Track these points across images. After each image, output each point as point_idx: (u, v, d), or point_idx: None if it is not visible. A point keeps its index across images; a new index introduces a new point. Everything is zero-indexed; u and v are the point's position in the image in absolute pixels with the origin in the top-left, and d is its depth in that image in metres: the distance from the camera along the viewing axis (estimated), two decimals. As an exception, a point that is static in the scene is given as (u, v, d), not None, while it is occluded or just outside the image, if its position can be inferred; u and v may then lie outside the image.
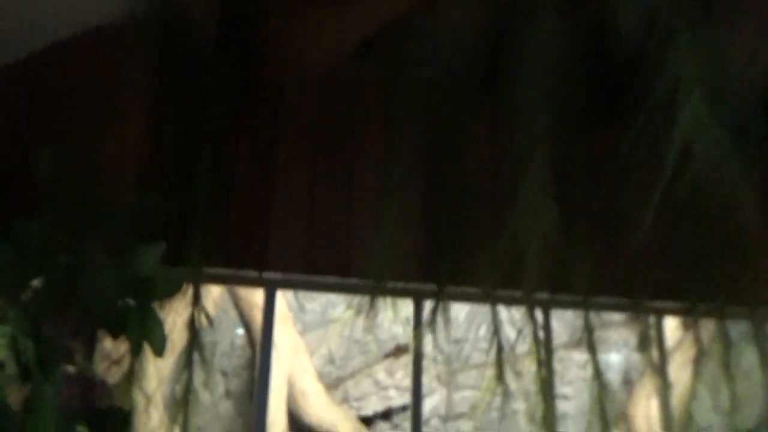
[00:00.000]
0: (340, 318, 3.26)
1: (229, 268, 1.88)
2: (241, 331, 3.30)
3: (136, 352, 1.71)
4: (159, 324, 1.71)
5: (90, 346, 1.81)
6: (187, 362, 1.70)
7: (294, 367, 3.10)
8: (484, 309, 3.57)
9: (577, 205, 2.14)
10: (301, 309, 3.45)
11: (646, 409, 3.40)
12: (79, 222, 1.67)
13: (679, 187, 2.27)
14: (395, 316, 2.74)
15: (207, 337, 3.41)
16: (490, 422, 3.56)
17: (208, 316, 1.77)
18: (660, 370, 2.12)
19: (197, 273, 1.76)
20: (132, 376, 1.69)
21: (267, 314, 1.89)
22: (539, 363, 2.00)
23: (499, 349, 1.97)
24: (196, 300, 1.76)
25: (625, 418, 3.48)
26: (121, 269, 1.59)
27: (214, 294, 3.11)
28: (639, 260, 2.25)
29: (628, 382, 3.78)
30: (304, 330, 3.41)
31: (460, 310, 3.47)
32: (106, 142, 1.79)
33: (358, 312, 1.91)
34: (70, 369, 1.53)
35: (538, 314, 2.10)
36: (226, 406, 3.30)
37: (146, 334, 1.69)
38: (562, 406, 3.55)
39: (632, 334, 3.98)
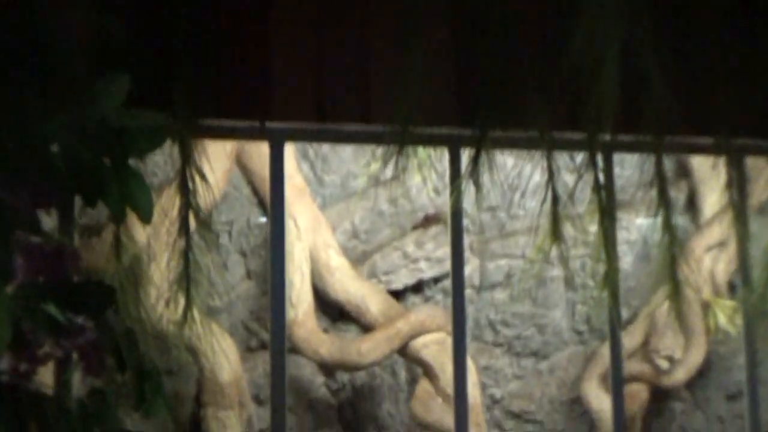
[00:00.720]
0: (364, 173, 2.92)
1: (223, 118, 1.50)
2: (263, 219, 3.00)
3: (118, 219, 1.36)
4: (142, 184, 1.34)
5: (66, 214, 1.49)
6: (181, 228, 1.37)
7: (316, 242, 2.81)
8: (515, 171, 3.21)
9: (647, 28, 1.67)
10: (320, 182, 3.10)
11: (696, 269, 3.10)
12: (22, 62, 1.27)
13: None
14: (426, 173, 2.39)
15: (222, 216, 3.13)
16: (526, 291, 3.31)
17: (202, 175, 1.41)
18: (741, 215, 1.76)
19: (184, 122, 1.38)
20: (119, 249, 1.38)
21: (275, 173, 1.53)
22: (602, 213, 1.64)
23: (555, 201, 1.61)
24: (186, 156, 1.40)
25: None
26: (80, 114, 1.21)
27: (223, 169, 2.77)
28: (717, 93, 1.82)
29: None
30: (324, 205, 3.08)
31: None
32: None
33: (385, 163, 1.54)
34: (35, 240, 1.20)
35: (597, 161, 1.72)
36: (248, 287, 3.07)
37: (128, 197, 1.33)
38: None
39: (678, 193, 3.61)
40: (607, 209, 1.67)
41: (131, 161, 1.30)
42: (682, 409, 3.37)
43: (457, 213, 1.64)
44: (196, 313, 1.39)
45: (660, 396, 3.25)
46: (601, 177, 1.65)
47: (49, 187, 1.25)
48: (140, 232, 2.38)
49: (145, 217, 1.35)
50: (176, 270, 1.38)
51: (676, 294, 1.73)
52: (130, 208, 1.34)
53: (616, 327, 1.69)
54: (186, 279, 1.38)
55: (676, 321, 2.23)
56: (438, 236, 3.06)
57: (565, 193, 1.63)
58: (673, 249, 1.70)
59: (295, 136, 1.58)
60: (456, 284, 1.63)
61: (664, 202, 1.70)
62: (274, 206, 1.51)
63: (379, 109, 1.60)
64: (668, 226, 1.69)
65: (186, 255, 1.37)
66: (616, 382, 1.71)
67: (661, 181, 1.71)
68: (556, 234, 1.61)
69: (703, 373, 3.26)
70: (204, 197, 1.41)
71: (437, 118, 1.61)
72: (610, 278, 1.65)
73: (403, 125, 1.55)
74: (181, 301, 1.39)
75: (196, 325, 1.38)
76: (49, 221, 1.54)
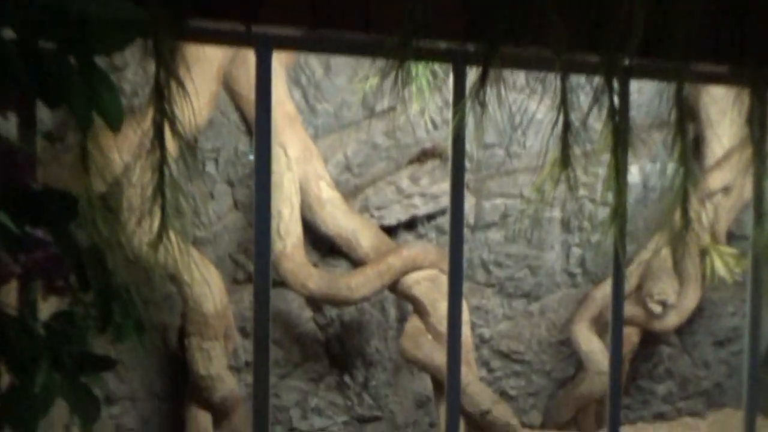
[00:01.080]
0: (360, 87, 2.75)
1: (202, 18, 1.33)
2: (252, 157, 2.84)
3: (83, 125, 1.21)
4: (110, 86, 1.18)
5: (25, 118, 1.33)
6: (155, 138, 1.22)
7: (306, 173, 2.67)
8: (517, 106, 3.05)
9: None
10: (312, 111, 2.93)
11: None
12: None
13: None
14: (425, 102, 2.23)
15: (208, 144, 2.97)
16: (521, 231, 3.22)
17: (179, 80, 1.25)
18: (761, 150, 1.63)
19: (157, 18, 1.21)
20: (86, 161, 1.24)
21: (261, 84, 1.37)
22: (615, 143, 1.51)
23: (566, 127, 1.47)
24: (160, 56, 1.23)
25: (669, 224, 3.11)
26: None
27: (209, 91, 2.59)
28: (744, 20, 1.65)
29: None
30: (316, 135, 2.92)
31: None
32: None
33: (383, 78, 1.38)
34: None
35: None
36: (235, 218, 2.94)
37: (94, 100, 1.18)
38: (602, 213, 3.17)
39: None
40: (621, 139, 1.54)
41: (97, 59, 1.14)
42: (669, 354, 3.36)
43: (459, 137, 1.50)
44: (172, 234, 1.26)
45: (649, 340, 3.23)
46: (616, 101, 1.50)
47: (3, 85, 1.09)
48: (116, 157, 2.22)
49: (114, 124, 1.20)
50: (150, 185, 1.25)
51: (685, 230, 1.62)
52: (96, 114, 1.19)
53: (620, 263, 1.58)
54: (161, 195, 1.24)
55: (681, 260, 2.14)
56: (434, 171, 2.93)
57: (577, 120, 1.49)
58: (687, 183, 1.58)
59: (285, 44, 1.41)
60: (455, 215, 1.50)
61: (681, 132, 1.57)
62: (260, 122, 1.35)
63: (379, 18, 1.42)
64: (684, 158, 1.57)
65: (161, 168, 1.23)
66: (616, 319, 1.63)
67: (680, 110, 1.58)
68: (565, 162, 1.48)
69: (692, 319, 3.22)
70: (180, 105, 1.26)
71: (442, 31, 1.45)
72: (619, 212, 1.54)
73: (405, 37, 1.39)
74: (156, 221, 1.26)
75: (173, 246, 1.25)
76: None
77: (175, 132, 1.23)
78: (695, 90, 2.98)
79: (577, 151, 1.54)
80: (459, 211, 1.45)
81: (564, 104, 1.47)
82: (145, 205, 1.25)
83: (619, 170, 1.54)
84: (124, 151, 2.22)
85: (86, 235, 1.20)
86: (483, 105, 1.44)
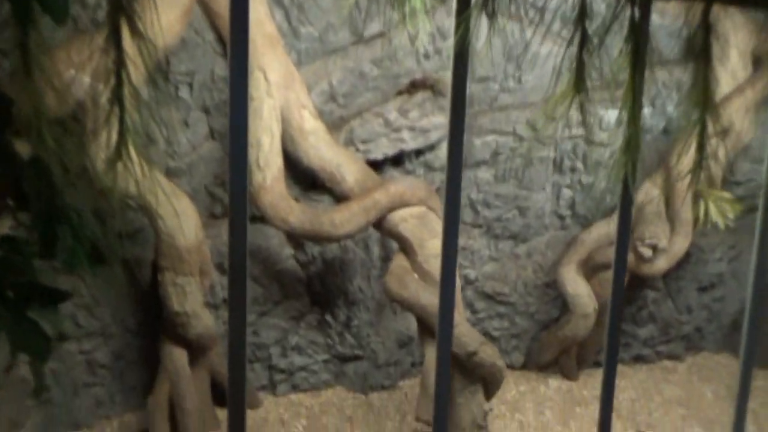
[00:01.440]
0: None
1: None
2: None
3: (21, 16, 1.01)
4: (52, -30, 0.98)
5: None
6: (110, 37, 1.03)
7: (288, 100, 2.46)
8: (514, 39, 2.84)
9: None
10: (295, 34, 2.68)
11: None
12: None
13: None
14: (420, 24, 2.01)
15: (181, 66, 2.73)
16: (512, 171, 3.08)
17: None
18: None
19: None
20: (27, 60, 1.04)
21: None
22: (633, 67, 1.35)
23: (583, 43, 1.31)
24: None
25: (666, 168, 3.00)
26: None
27: (180, 7, 2.33)
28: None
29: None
30: (299, 61, 2.69)
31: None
32: None
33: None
34: None
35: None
36: (211, 148, 2.74)
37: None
38: (597, 155, 3.04)
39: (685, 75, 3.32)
40: (639, 63, 1.37)
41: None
42: (653, 298, 3.32)
43: (461, 55, 1.32)
44: (132, 151, 1.09)
45: (635, 284, 3.17)
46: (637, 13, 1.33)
47: None
48: (75, 75, 1.99)
49: (58, 16, 1.00)
50: (106, 93, 1.06)
51: (699, 167, 1.49)
52: (38, 4, 0.99)
53: (630, 195, 1.45)
54: (118, 104, 1.06)
55: (685, 200, 2.02)
56: (424, 104, 2.74)
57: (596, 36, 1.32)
58: (706, 114, 1.44)
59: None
60: (453, 145, 1.34)
61: (704, 58, 1.41)
62: (236, 32, 1.16)
63: None
64: (706, 86, 1.42)
65: (118, 72, 1.04)
66: (620, 256, 1.50)
67: (705, 31, 1.41)
68: (579, 85, 1.32)
69: (679, 264, 3.17)
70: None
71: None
72: (633, 141, 1.39)
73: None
74: (114, 134, 1.08)
75: (133, 164, 1.08)
76: None
77: (134, 31, 1.04)
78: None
79: (588, 81, 1.38)
80: (458, 141, 1.29)
81: (582, 18, 1.30)
82: (100, 116, 1.07)
83: (635, 98, 1.38)
84: (84, 70, 2.00)
85: (31, 149, 1.03)
86: (491, 16, 1.26)
